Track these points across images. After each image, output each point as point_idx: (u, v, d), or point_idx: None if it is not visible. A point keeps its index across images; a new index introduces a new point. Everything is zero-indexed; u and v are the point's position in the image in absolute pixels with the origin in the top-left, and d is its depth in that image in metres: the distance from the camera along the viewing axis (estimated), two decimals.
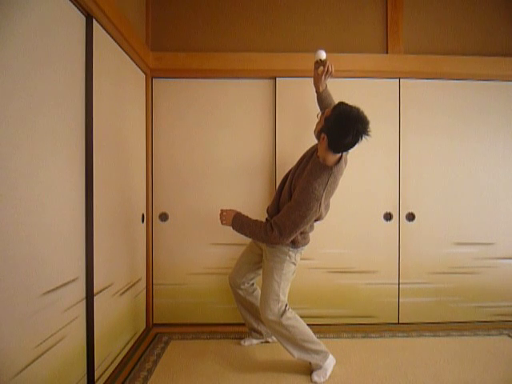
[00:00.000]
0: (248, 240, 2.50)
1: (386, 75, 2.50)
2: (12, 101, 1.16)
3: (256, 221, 1.82)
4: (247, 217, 1.85)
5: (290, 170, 1.95)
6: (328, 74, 1.94)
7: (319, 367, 1.85)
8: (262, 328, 2.19)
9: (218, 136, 2.52)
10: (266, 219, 1.96)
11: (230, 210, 1.89)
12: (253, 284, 2.17)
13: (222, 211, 1.90)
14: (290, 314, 1.85)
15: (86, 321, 1.64)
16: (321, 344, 1.88)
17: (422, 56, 2.49)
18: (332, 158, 1.70)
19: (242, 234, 1.83)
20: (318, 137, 1.75)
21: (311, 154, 1.85)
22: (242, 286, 2.12)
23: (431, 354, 2.11)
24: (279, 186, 1.97)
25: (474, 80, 2.54)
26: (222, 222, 1.89)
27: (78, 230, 1.58)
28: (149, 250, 2.49)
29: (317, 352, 1.85)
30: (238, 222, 1.83)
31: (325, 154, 1.69)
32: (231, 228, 1.86)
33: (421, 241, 2.55)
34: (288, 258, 1.86)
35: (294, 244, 1.84)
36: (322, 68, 1.92)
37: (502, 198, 2.57)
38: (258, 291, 2.17)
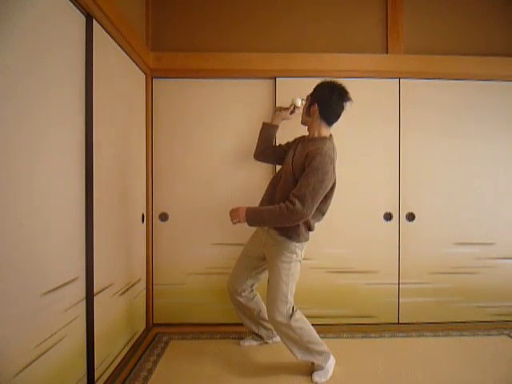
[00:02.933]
0: (247, 240, 2.50)
1: (386, 75, 2.50)
2: (12, 101, 1.16)
3: (270, 206, 1.77)
4: (259, 207, 1.82)
5: (278, 173, 1.99)
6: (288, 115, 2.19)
7: (321, 368, 1.85)
8: (262, 332, 2.18)
9: (218, 136, 2.52)
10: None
11: (238, 207, 1.83)
12: (253, 290, 2.13)
13: (232, 210, 1.84)
14: (298, 315, 1.84)
15: (86, 321, 1.64)
16: (324, 344, 1.87)
17: (422, 56, 2.49)
18: (325, 130, 1.88)
19: (263, 224, 1.79)
20: (306, 121, 1.93)
21: (302, 140, 1.96)
22: (243, 294, 2.08)
23: (431, 354, 2.11)
24: (271, 183, 1.99)
25: (474, 80, 2.54)
26: (233, 222, 1.81)
27: (78, 230, 1.58)
28: (149, 250, 2.49)
29: (320, 353, 1.85)
30: (253, 214, 1.77)
31: (318, 126, 1.87)
32: (246, 224, 1.78)
33: (421, 241, 2.54)
34: (295, 256, 1.84)
35: (299, 237, 1.81)
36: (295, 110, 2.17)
37: (502, 197, 2.57)
38: (258, 296, 2.16)
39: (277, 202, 1.81)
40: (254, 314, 2.12)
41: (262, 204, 1.99)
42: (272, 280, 1.86)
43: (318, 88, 1.88)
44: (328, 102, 1.82)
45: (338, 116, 1.87)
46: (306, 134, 1.97)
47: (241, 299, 2.09)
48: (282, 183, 1.87)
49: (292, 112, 2.18)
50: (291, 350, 1.85)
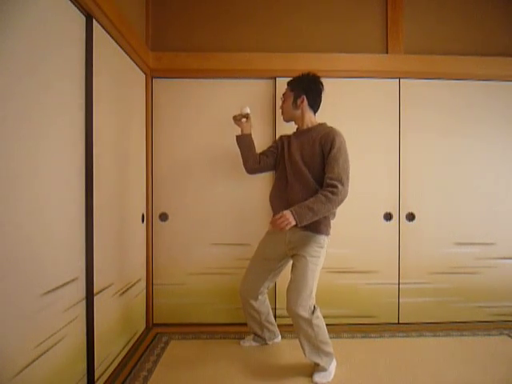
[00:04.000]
0: (247, 240, 2.50)
1: (386, 75, 2.51)
2: (12, 101, 1.16)
3: (311, 198, 1.76)
4: (301, 203, 1.77)
5: (282, 171, 2.01)
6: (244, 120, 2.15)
7: (324, 370, 1.84)
8: (265, 334, 2.18)
9: (218, 136, 2.52)
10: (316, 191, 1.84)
11: (280, 214, 1.74)
12: (265, 293, 2.12)
13: (275, 219, 1.74)
14: (319, 312, 1.84)
15: (86, 321, 1.64)
16: (332, 346, 1.87)
17: (422, 56, 2.50)
18: (313, 118, 2.01)
19: (315, 217, 1.74)
20: (293, 115, 2.00)
21: (299, 134, 2.01)
22: (260, 297, 2.07)
23: (431, 354, 2.11)
24: (279, 180, 2.02)
25: (473, 80, 2.54)
26: (284, 227, 1.72)
27: (78, 230, 1.58)
28: (149, 250, 2.49)
29: (327, 354, 1.85)
30: (301, 211, 1.73)
31: (309, 116, 1.99)
32: (299, 224, 1.73)
33: (421, 241, 2.55)
34: (323, 250, 1.87)
35: (328, 229, 1.89)
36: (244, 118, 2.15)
37: (503, 197, 2.57)
38: (267, 299, 2.15)
39: (298, 194, 1.86)
40: (262, 318, 2.12)
41: (275, 203, 2.00)
42: (298, 275, 1.82)
43: (303, 81, 1.97)
44: (316, 91, 1.97)
45: (319, 106, 2.03)
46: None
47: (255, 304, 2.07)
48: (296, 177, 1.90)
49: (247, 120, 2.17)
50: (302, 346, 1.84)
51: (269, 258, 2.02)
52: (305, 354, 1.84)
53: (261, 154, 2.16)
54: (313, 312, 1.80)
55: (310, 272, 1.81)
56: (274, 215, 1.93)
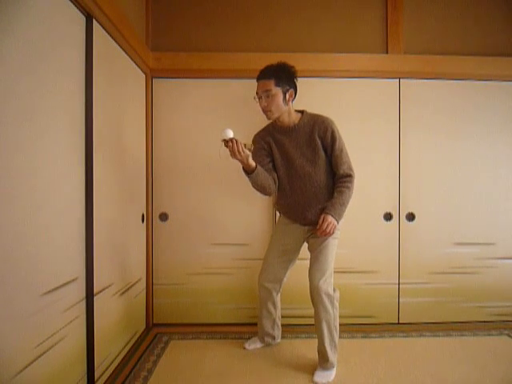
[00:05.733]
0: (247, 240, 2.50)
1: (386, 75, 2.50)
2: (12, 100, 1.16)
3: (338, 194, 1.83)
4: (332, 202, 1.82)
5: (287, 166, 1.94)
6: (236, 152, 1.71)
7: (329, 369, 1.84)
8: (275, 332, 2.16)
9: (218, 136, 2.51)
10: (339, 181, 1.87)
11: (325, 221, 1.78)
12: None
13: (322, 227, 1.78)
14: (338, 294, 1.89)
15: (86, 321, 1.64)
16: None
17: (422, 56, 2.50)
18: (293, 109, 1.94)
19: (346, 208, 1.85)
20: (283, 111, 1.87)
21: (288, 129, 1.93)
22: (280, 289, 2.08)
23: (431, 354, 2.11)
24: (285, 177, 1.95)
25: (474, 80, 2.54)
26: (332, 232, 1.80)
27: (78, 230, 1.58)
28: (149, 250, 2.49)
29: (336, 347, 1.87)
30: (339, 211, 1.82)
31: (293, 109, 1.92)
32: (338, 221, 1.83)
33: (421, 241, 2.55)
34: (339, 232, 1.93)
35: (342, 213, 1.89)
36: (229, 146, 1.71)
37: (503, 197, 2.57)
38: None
39: (317, 194, 1.89)
40: (278, 313, 2.13)
41: (293, 209, 1.95)
42: (323, 256, 1.86)
43: (284, 72, 1.86)
44: (295, 81, 1.90)
45: None
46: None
47: (276, 297, 2.09)
48: (307, 178, 1.89)
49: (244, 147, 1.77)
50: (321, 331, 1.83)
51: (288, 248, 2.02)
52: (322, 340, 1.83)
53: (266, 170, 1.93)
54: (334, 290, 1.88)
55: (332, 253, 1.89)
56: (290, 218, 1.99)
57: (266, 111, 1.88)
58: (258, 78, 1.90)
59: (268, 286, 2.05)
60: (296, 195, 1.94)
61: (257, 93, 1.89)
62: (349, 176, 1.86)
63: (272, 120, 1.93)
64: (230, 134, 1.70)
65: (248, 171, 1.82)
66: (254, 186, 1.89)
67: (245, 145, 1.72)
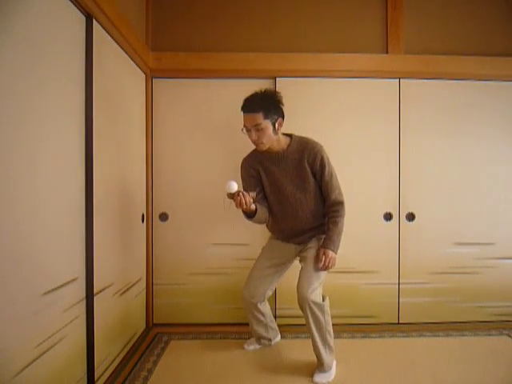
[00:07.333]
0: (247, 240, 2.50)
1: (386, 75, 2.50)
2: (12, 101, 1.16)
3: (332, 225, 1.89)
4: (329, 236, 1.88)
5: (275, 193, 1.96)
6: (244, 204, 1.69)
7: (326, 370, 1.84)
8: (270, 334, 2.16)
9: (218, 136, 2.52)
10: (330, 211, 1.92)
11: (326, 257, 1.84)
12: (269, 294, 2.11)
13: (324, 264, 1.84)
14: (328, 302, 1.89)
15: (86, 321, 1.64)
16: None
17: (422, 56, 2.50)
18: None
19: (341, 236, 1.92)
20: (272, 140, 1.85)
21: (282, 155, 1.92)
22: (264, 300, 2.07)
23: (431, 354, 2.11)
24: (277, 203, 1.97)
25: (474, 80, 2.54)
26: (331, 266, 1.86)
27: (78, 230, 1.58)
28: (149, 249, 2.49)
29: (331, 349, 1.87)
30: (337, 243, 1.89)
31: (282, 136, 1.91)
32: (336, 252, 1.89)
33: (421, 241, 2.54)
34: None
35: None
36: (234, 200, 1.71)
37: (503, 197, 2.57)
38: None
39: (309, 219, 1.95)
40: (268, 319, 2.12)
41: (285, 233, 2.02)
42: (310, 265, 1.87)
43: (272, 103, 1.81)
44: (282, 108, 1.88)
45: None
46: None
47: (261, 306, 2.06)
48: (297, 204, 1.92)
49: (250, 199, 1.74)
50: (313, 336, 1.83)
51: (277, 263, 2.04)
52: (315, 345, 1.83)
53: (259, 200, 1.95)
54: (323, 299, 1.87)
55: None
56: (284, 240, 2.05)
57: (257, 144, 1.85)
58: (245, 111, 1.81)
59: (249, 299, 2.03)
60: (287, 221, 1.98)
61: (245, 125, 1.83)
62: (340, 203, 1.90)
63: (262, 150, 1.89)
64: (235, 187, 1.70)
65: (250, 215, 1.87)
66: (252, 221, 1.93)
67: (248, 194, 1.71)
